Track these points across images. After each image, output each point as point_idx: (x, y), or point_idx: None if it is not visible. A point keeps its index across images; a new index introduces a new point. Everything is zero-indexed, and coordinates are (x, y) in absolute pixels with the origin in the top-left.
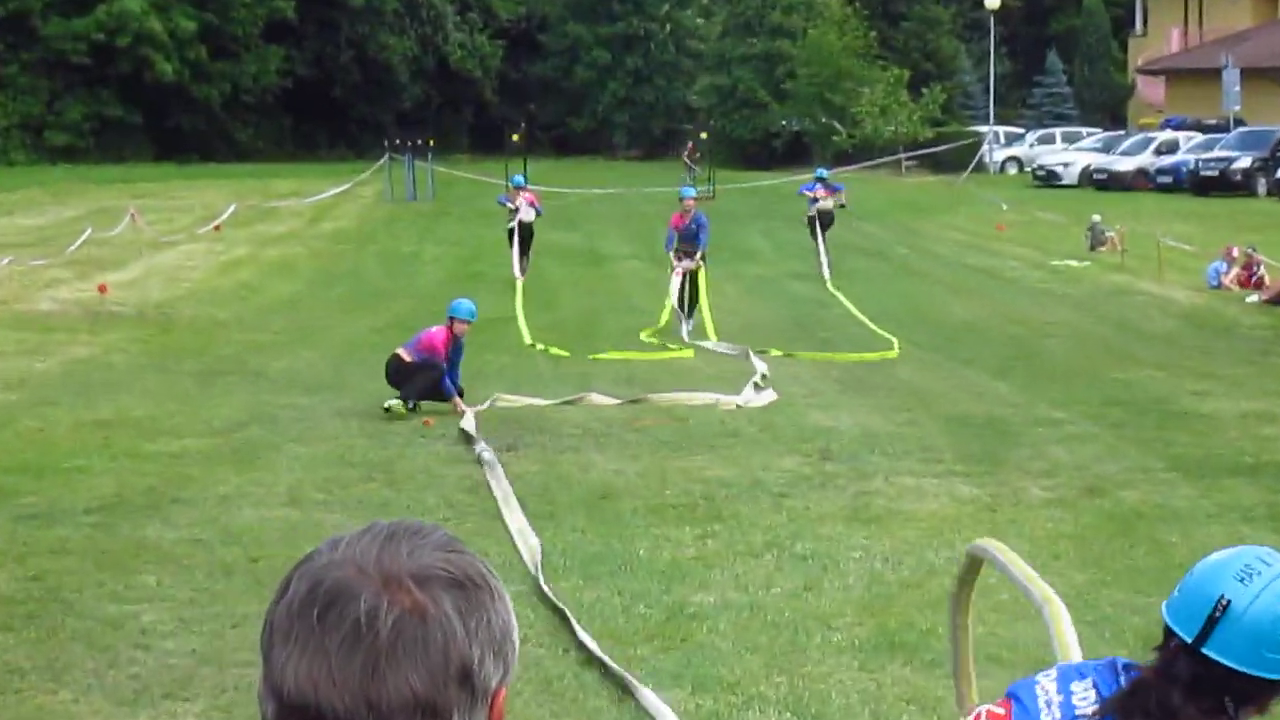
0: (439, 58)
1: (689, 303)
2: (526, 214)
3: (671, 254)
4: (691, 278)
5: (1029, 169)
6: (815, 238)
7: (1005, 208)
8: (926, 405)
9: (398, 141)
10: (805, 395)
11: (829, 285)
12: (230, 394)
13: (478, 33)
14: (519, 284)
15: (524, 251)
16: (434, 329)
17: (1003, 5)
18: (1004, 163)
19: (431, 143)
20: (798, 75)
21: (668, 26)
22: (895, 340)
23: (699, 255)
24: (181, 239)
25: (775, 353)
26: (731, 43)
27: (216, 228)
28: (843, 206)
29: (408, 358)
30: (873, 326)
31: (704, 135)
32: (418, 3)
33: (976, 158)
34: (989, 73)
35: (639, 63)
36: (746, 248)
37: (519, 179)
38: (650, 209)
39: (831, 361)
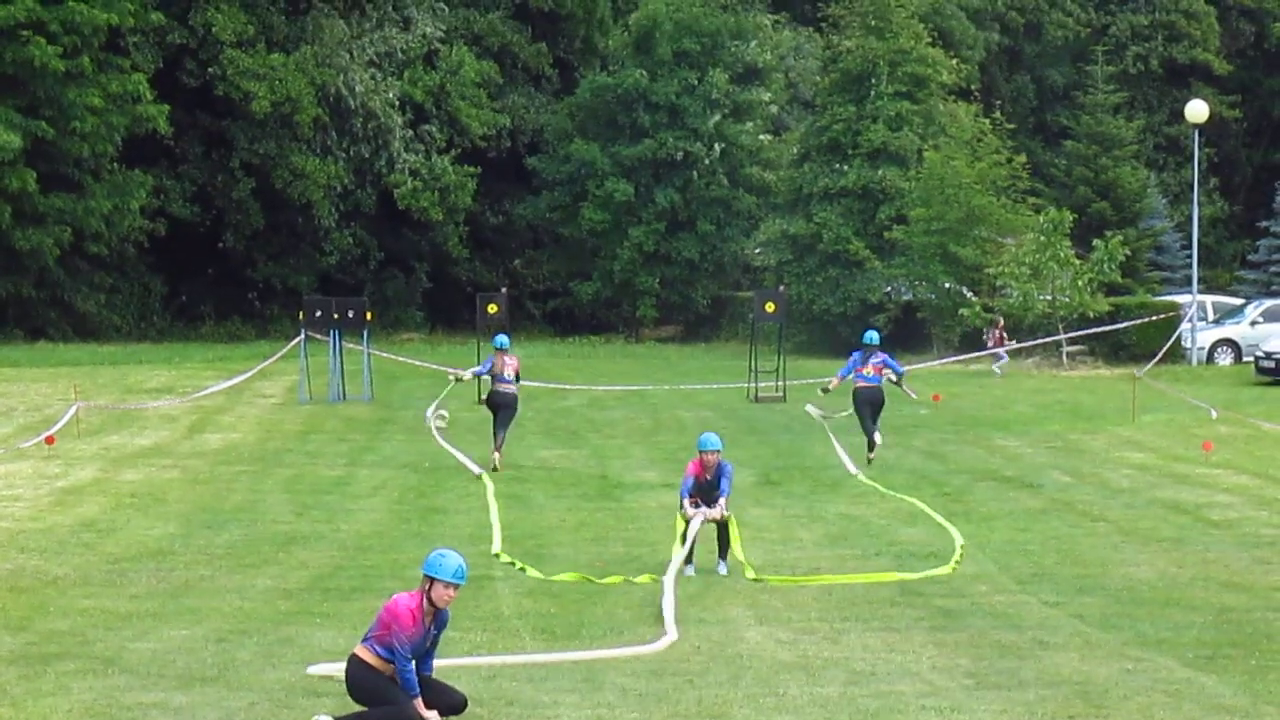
0: (381, 191)
1: (719, 545)
2: (509, 383)
3: (687, 501)
4: (720, 527)
5: (1250, 358)
6: (864, 419)
7: (1215, 415)
8: (1098, 709)
9: (318, 314)
10: (919, 693)
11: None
12: (67, 689)
13: (438, 155)
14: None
15: (504, 425)
16: (401, 597)
17: (1212, 117)
18: (1213, 348)
19: (370, 317)
20: (910, 219)
21: (717, 147)
22: (958, 543)
23: (723, 503)
24: None
25: (749, 575)
26: (812, 171)
27: (49, 439)
28: (909, 395)
29: (374, 661)
30: (937, 518)
31: (770, 306)
32: (349, 110)
33: (1171, 340)
34: (1191, 216)
35: (675, 199)
36: (832, 475)
37: (503, 339)
38: (689, 415)
39: (948, 632)
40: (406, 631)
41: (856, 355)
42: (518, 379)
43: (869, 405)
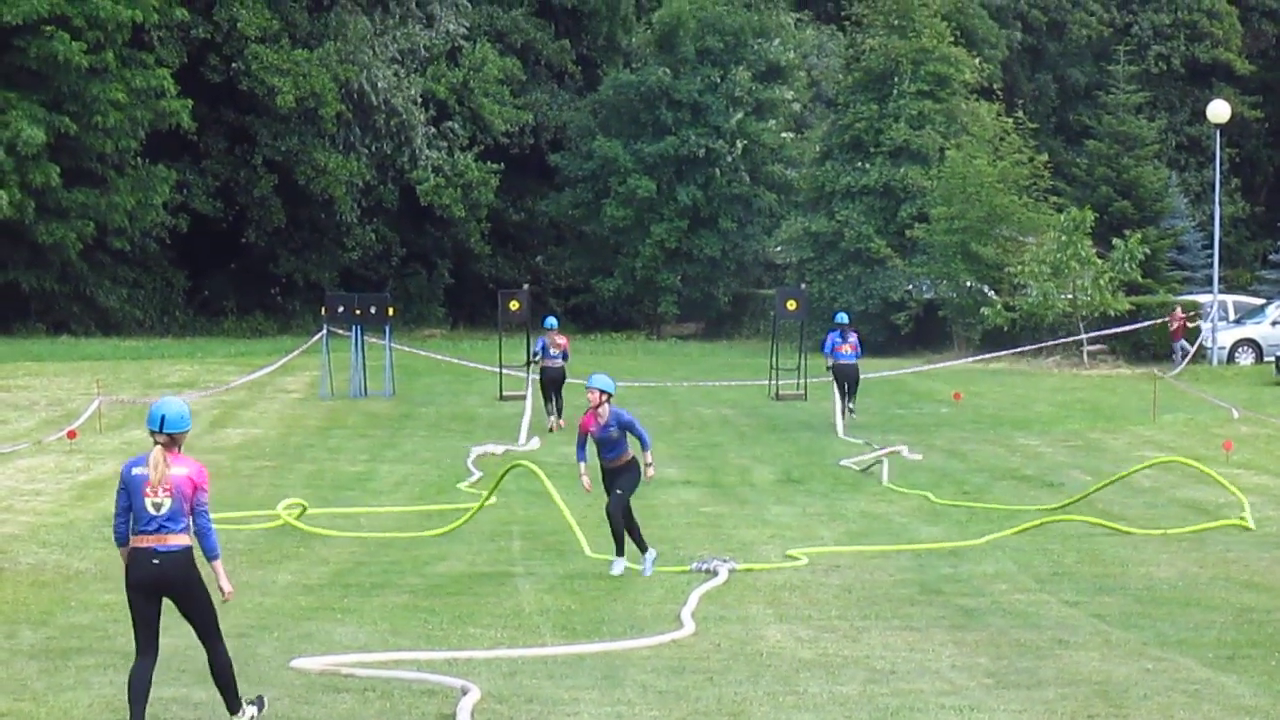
0: (403, 187)
1: (633, 536)
2: (556, 360)
3: (583, 469)
4: (626, 513)
5: (1271, 357)
6: (842, 391)
7: (1237, 414)
8: (1118, 708)
9: (340, 309)
10: (939, 692)
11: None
12: (88, 683)
13: (461, 151)
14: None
15: (557, 395)
16: (192, 463)
17: (1234, 117)
18: (1234, 348)
19: (391, 312)
20: (931, 218)
21: (740, 144)
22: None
23: (649, 459)
24: (20, 449)
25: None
26: (834, 169)
27: (71, 434)
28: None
29: (185, 537)
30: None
31: (792, 304)
32: (372, 106)
33: (1195, 342)
34: (1212, 215)
35: (697, 196)
36: (853, 473)
37: (552, 321)
38: (710, 412)
39: (968, 631)
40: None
41: (834, 335)
42: (566, 357)
43: (848, 380)
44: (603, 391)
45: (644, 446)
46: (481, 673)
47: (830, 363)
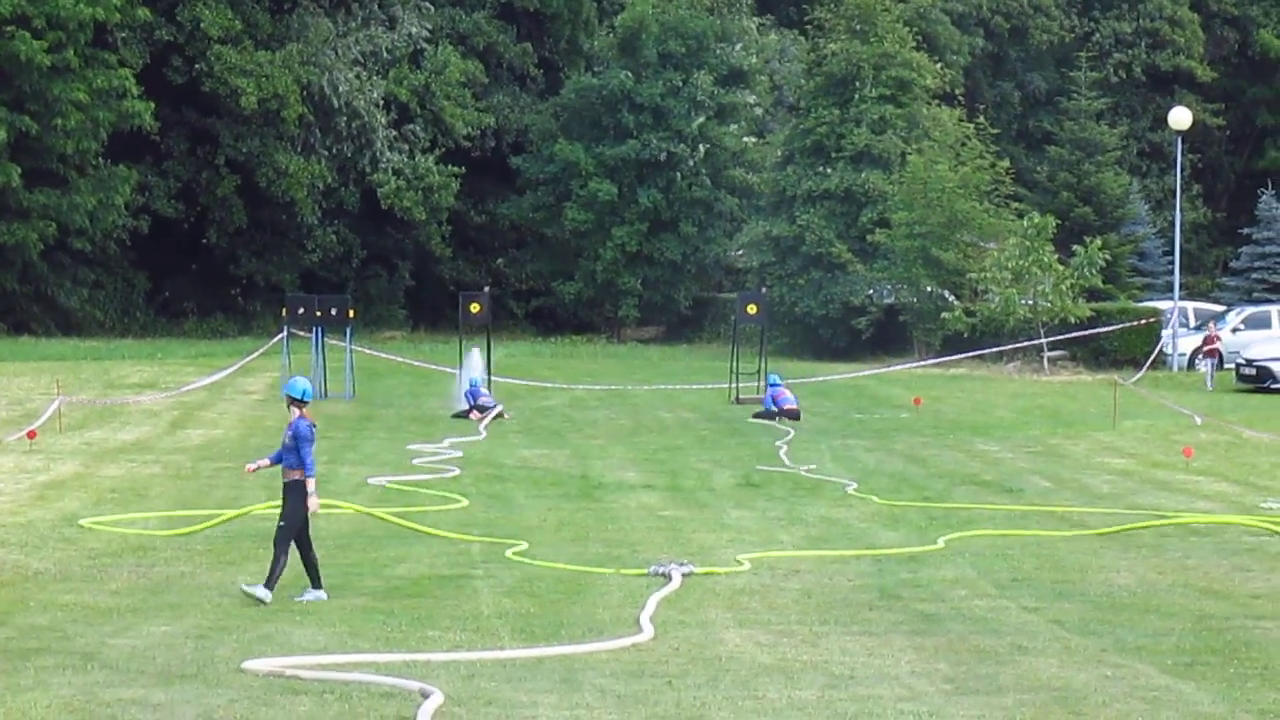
0: (364, 190)
1: (304, 560)
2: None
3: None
4: (301, 534)
5: (1231, 364)
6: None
7: (1200, 421)
8: (1076, 715)
9: (301, 311)
10: (898, 698)
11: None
12: (46, 684)
13: (422, 154)
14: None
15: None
16: None
17: (1195, 124)
18: (1194, 355)
19: (352, 314)
20: (893, 223)
21: (702, 148)
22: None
23: (312, 487)
24: None
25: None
26: (795, 173)
27: (31, 434)
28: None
29: None
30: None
31: (752, 308)
32: (334, 108)
33: (1155, 348)
34: (1173, 222)
35: (658, 200)
36: (812, 478)
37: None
38: (670, 416)
39: (927, 637)
40: None
41: (774, 389)
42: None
43: (794, 418)
44: (286, 395)
45: (305, 472)
46: (440, 675)
47: (778, 410)
